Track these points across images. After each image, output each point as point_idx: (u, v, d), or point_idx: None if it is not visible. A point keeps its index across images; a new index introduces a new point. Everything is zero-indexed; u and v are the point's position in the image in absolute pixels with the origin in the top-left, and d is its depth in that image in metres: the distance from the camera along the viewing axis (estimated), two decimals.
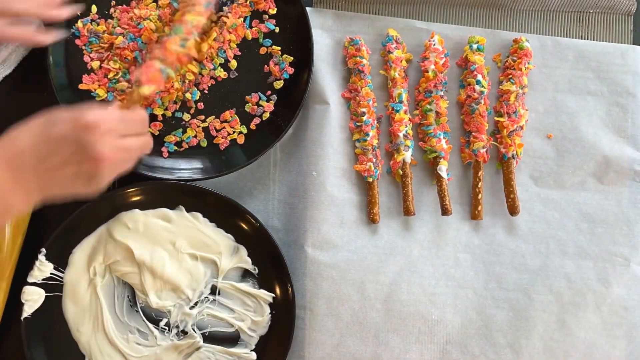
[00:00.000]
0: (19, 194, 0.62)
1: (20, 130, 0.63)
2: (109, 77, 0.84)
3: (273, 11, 0.85)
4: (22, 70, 0.86)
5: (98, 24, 0.84)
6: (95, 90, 0.84)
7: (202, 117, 0.85)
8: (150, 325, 0.83)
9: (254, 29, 0.85)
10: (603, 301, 0.85)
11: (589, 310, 0.85)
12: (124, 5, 0.85)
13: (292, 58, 0.85)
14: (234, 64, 0.85)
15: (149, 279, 0.81)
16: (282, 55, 0.85)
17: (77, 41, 0.84)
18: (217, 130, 0.85)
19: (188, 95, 0.84)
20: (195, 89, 0.85)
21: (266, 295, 0.84)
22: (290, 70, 0.85)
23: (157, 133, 0.84)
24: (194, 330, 0.83)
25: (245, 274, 0.85)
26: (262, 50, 0.86)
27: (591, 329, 0.85)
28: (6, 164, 0.61)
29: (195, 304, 0.83)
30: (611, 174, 0.87)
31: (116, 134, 0.64)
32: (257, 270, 0.84)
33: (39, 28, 0.79)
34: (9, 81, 0.85)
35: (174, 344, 0.82)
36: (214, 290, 0.84)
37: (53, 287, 0.82)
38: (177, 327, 0.83)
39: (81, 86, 0.84)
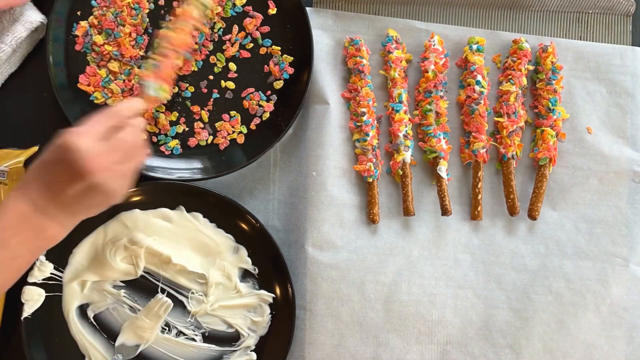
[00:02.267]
0: (47, 218, 0.65)
1: (32, 169, 0.66)
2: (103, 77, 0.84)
3: (273, 11, 0.86)
4: (23, 71, 0.86)
5: (95, 33, 0.84)
6: (92, 93, 0.84)
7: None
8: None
9: (250, 26, 0.85)
10: (602, 301, 0.85)
11: (589, 310, 0.85)
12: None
13: (292, 58, 0.85)
14: (233, 66, 0.85)
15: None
16: (282, 55, 0.85)
17: (77, 46, 0.84)
18: (217, 130, 0.85)
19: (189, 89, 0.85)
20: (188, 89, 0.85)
21: (266, 296, 0.84)
22: (290, 70, 0.85)
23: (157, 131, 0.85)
24: (193, 330, 0.83)
25: (246, 274, 0.85)
26: (262, 51, 0.86)
27: (591, 330, 0.85)
28: (23, 191, 0.65)
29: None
30: (610, 174, 0.87)
31: (96, 139, 0.64)
32: (257, 271, 0.84)
33: None
34: (9, 81, 0.85)
35: (146, 307, 0.83)
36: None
37: (53, 287, 0.82)
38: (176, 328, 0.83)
39: (80, 86, 0.84)
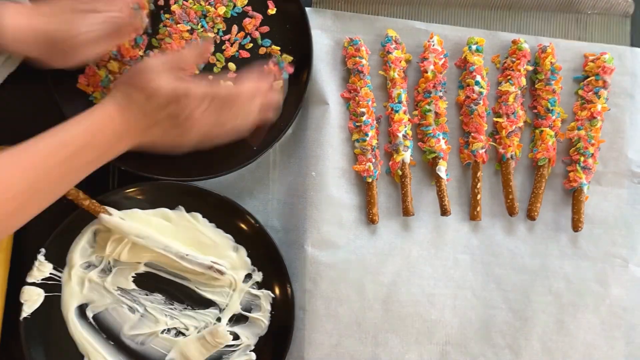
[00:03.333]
0: (131, 137, 0.70)
1: (127, 90, 0.70)
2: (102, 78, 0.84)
3: (272, 11, 0.86)
4: (23, 71, 0.86)
5: None
6: (92, 93, 0.84)
7: None
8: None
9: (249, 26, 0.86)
10: (602, 302, 0.85)
11: (588, 311, 0.85)
12: None
13: (292, 58, 0.85)
14: (232, 66, 0.85)
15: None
16: (281, 55, 0.85)
17: None
18: None
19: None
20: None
21: (266, 296, 0.84)
22: (290, 70, 0.85)
23: None
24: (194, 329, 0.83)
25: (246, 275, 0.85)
26: (262, 51, 0.86)
27: (590, 330, 0.85)
28: (117, 107, 0.69)
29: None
30: (609, 175, 0.87)
31: (167, 67, 0.71)
32: (255, 271, 0.84)
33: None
34: (10, 80, 0.85)
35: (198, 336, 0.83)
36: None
37: (52, 287, 0.82)
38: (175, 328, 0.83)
39: (79, 86, 0.84)
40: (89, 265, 0.83)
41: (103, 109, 0.69)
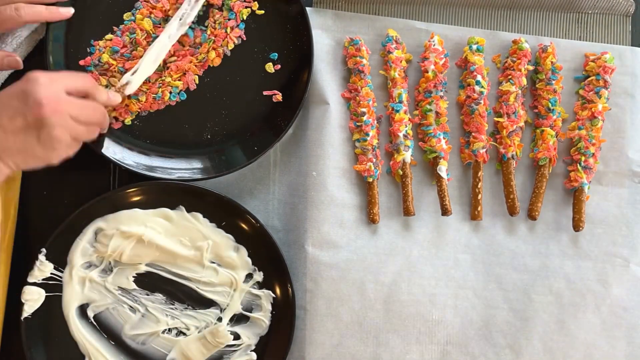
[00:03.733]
0: None
1: None
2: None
3: (261, 12, 0.86)
4: (23, 70, 0.86)
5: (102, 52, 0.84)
6: None
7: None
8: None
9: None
10: (602, 302, 0.85)
11: (589, 310, 0.85)
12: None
13: (291, 57, 0.85)
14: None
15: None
16: (281, 54, 0.86)
17: (81, 61, 0.84)
18: None
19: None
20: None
21: (266, 295, 0.84)
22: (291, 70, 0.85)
23: None
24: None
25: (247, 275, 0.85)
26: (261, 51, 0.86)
27: (591, 330, 0.85)
28: None
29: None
30: (610, 174, 0.87)
31: (61, 86, 0.67)
32: (256, 271, 0.84)
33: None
34: (10, 81, 0.85)
35: (198, 335, 0.83)
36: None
37: (53, 287, 0.82)
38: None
39: None
40: (90, 265, 0.83)
41: None
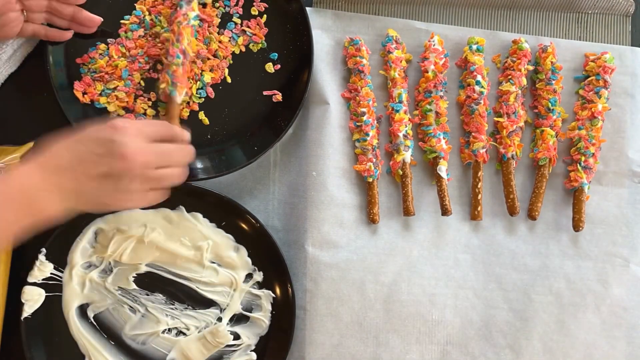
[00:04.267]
0: (54, 197, 0.63)
1: (55, 142, 0.65)
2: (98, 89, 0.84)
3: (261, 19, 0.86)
4: (23, 71, 0.86)
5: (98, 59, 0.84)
6: (99, 101, 0.84)
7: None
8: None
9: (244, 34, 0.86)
10: (602, 302, 0.85)
11: (589, 310, 0.85)
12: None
13: (291, 57, 0.85)
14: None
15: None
16: (281, 54, 0.86)
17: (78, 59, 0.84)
18: None
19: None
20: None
21: (266, 295, 0.84)
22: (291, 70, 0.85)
23: None
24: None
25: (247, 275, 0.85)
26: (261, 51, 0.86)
27: (591, 330, 0.85)
28: (40, 166, 0.63)
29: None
30: (610, 174, 0.87)
31: (145, 137, 0.66)
32: (256, 271, 0.84)
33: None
34: (9, 81, 0.85)
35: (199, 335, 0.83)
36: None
37: (53, 287, 0.82)
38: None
39: (76, 92, 0.84)
40: (90, 265, 0.83)
41: (21, 168, 0.64)
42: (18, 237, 0.63)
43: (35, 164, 0.63)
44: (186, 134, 0.75)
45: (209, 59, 0.85)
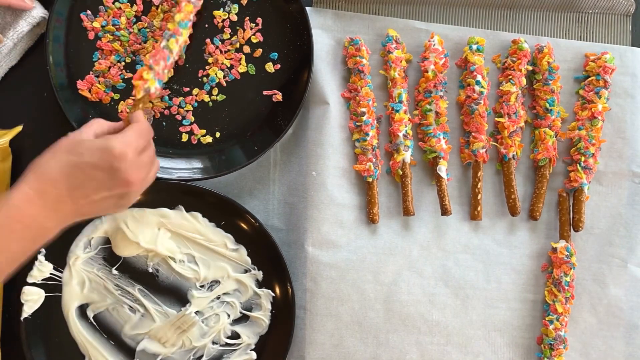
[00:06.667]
0: (55, 220, 0.65)
1: (46, 160, 0.65)
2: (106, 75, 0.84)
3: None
4: (23, 70, 0.86)
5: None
6: (101, 98, 0.84)
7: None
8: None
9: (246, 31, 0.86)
10: (599, 302, 0.85)
11: (584, 310, 0.85)
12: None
13: (291, 57, 0.85)
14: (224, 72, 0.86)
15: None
16: (281, 54, 0.85)
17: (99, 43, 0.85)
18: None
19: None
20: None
21: (266, 295, 0.84)
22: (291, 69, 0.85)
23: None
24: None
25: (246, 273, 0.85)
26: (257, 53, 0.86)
27: (587, 329, 0.85)
28: (38, 194, 0.63)
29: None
30: (610, 175, 0.87)
31: (139, 153, 0.67)
32: (255, 269, 0.84)
33: None
34: (10, 81, 0.85)
35: (169, 321, 0.83)
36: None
37: (53, 288, 0.82)
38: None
39: (80, 92, 0.84)
40: (90, 265, 0.83)
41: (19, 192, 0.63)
42: (22, 262, 0.65)
43: (35, 193, 0.63)
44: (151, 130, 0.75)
45: (209, 59, 0.85)
